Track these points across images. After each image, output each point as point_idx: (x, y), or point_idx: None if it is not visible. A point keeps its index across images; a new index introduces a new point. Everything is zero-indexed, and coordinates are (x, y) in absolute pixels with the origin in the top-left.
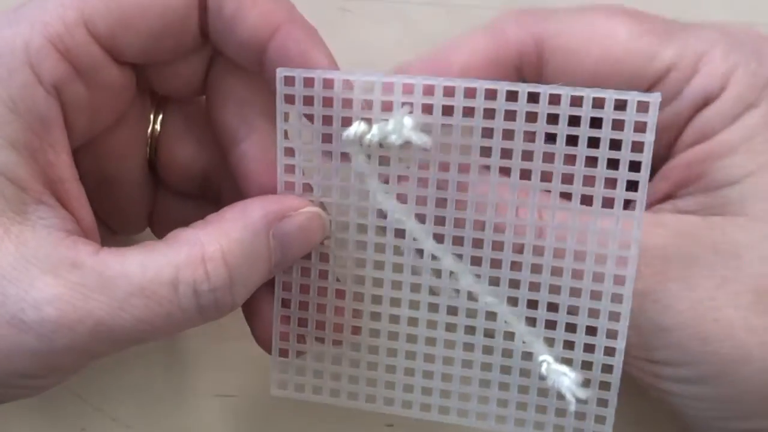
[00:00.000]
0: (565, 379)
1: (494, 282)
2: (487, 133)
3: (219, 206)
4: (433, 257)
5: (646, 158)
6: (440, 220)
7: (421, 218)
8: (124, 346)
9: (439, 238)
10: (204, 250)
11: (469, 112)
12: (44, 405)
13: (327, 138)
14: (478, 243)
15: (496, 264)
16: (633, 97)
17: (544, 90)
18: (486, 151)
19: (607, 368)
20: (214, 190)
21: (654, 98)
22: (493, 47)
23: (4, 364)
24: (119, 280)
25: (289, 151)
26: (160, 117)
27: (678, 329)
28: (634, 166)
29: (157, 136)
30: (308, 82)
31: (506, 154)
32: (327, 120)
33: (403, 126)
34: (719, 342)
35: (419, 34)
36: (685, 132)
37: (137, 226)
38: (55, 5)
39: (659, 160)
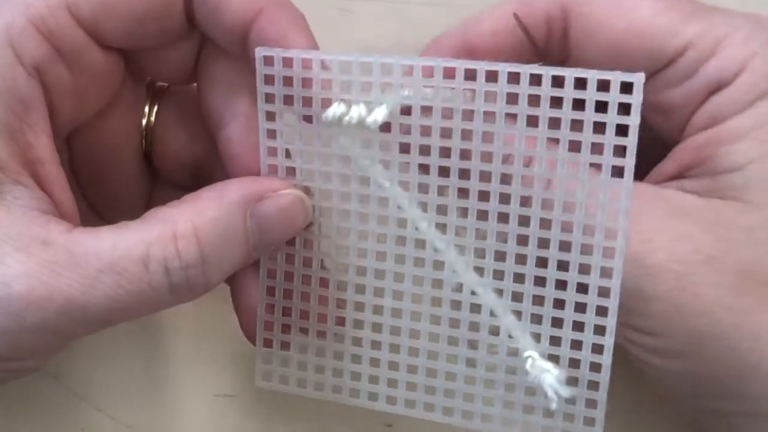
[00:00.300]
0: (548, 375)
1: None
2: (468, 115)
3: None
4: (418, 228)
5: (631, 142)
6: (424, 187)
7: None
8: (97, 327)
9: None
10: (176, 227)
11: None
12: (44, 405)
13: (308, 119)
14: (463, 213)
15: (481, 235)
16: (616, 77)
17: (524, 70)
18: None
19: (596, 366)
20: (207, 179)
21: (637, 78)
22: (521, 13)
23: None
24: (90, 257)
25: (272, 133)
26: (155, 108)
27: (659, 299)
28: (621, 150)
29: (152, 127)
30: (287, 62)
31: (488, 137)
32: (307, 101)
33: (379, 110)
34: (696, 317)
35: (419, 34)
36: (697, 114)
37: (133, 217)
38: None
39: (672, 141)
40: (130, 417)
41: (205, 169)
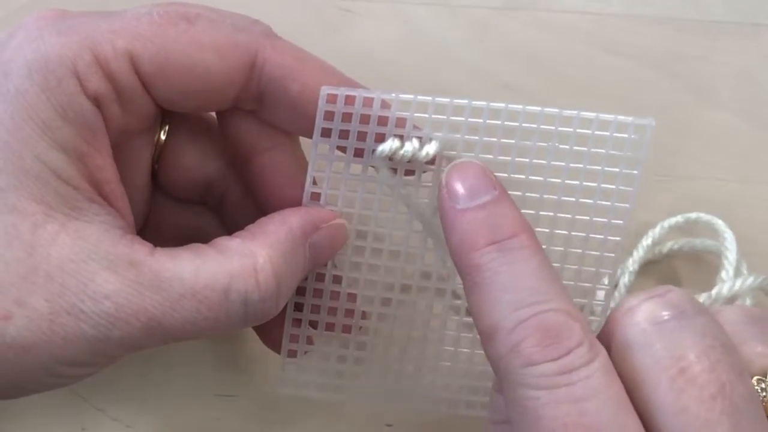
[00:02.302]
0: None
1: None
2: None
3: (221, 213)
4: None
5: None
6: None
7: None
8: (167, 342)
9: None
10: (256, 261)
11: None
12: (44, 405)
13: (359, 152)
14: None
15: None
16: (631, 121)
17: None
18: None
19: None
20: (216, 197)
21: (649, 122)
22: None
23: (60, 352)
24: (174, 281)
25: (321, 166)
26: (167, 126)
27: None
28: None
29: (161, 143)
30: (349, 100)
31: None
32: (362, 136)
33: (430, 146)
34: None
35: (419, 34)
36: None
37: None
38: (107, 29)
39: None
40: (130, 417)
41: (214, 185)
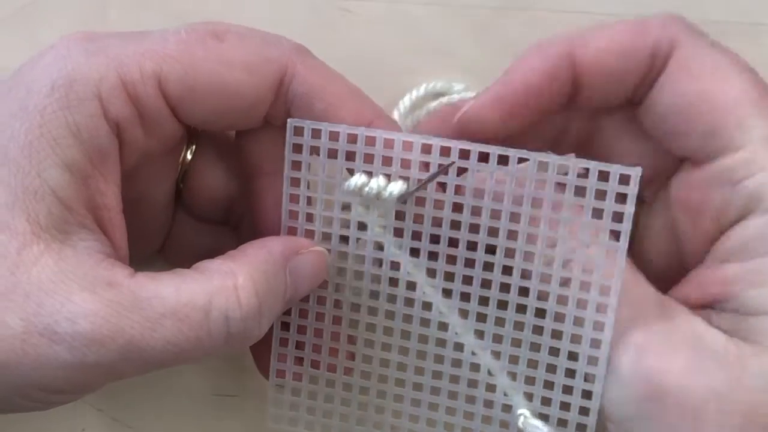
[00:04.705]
0: None
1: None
2: (480, 194)
3: (238, 232)
4: (425, 292)
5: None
6: (434, 256)
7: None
8: (149, 369)
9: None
10: (236, 280)
11: (462, 171)
12: None
13: (331, 188)
14: (467, 281)
15: (482, 302)
16: (615, 170)
17: (533, 157)
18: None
19: (582, 427)
20: (237, 217)
21: (635, 172)
22: (630, 38)
23: (32, 374)
24: (153, 300)
25: (294, 198)
26: (193, 146)
27: (661, 423)
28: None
29: (187, 163)
30: (315, 134)
31: (495, 214)
32: (331, 171)
33: (395, 184)
34: None
35: (419, 34)
36: (728, 237)
37: (152, 246)
38: (135, 51)
39: (693, 244)
40: (131, 417)
41: (237, 206)
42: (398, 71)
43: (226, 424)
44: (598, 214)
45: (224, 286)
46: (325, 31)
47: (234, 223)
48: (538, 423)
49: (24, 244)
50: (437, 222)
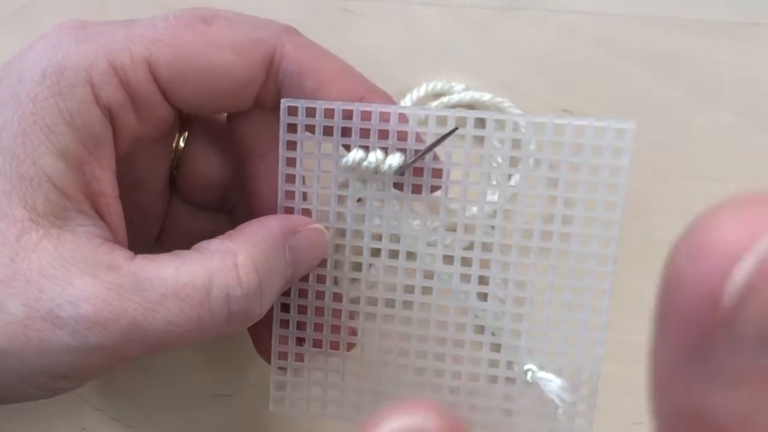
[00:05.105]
0: (552, 384)
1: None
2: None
3: (233, 217)
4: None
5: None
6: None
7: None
8: (152, 350)
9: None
10: (236, 258)
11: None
12: (44, 405)
13: (327, 166)
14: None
15: (484, 265)
16: (610, 123)
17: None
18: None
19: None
20: (232, 202)
21: (629, 125)
22: None
23: (36, 360)
24: (154, 281)
25: (290, 178)
26: (186, 133)
27: None
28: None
29: (180, 149)
30: (310, 112)
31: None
32: (326, 148)
33: (393, 157)
34: None
35: (420, 34)
36: None
37: (148, 234)
38: (125, 37)
39: None
40: (130, 417)
41: (232, 191)
42: (398, 71)
43: (225, 424)
44: (594, 170)
45: (224, 265)
46: (325, 31)
47: (229, 209)
48: (549, 375)
49: (23, 231)
50: (435, 189)
